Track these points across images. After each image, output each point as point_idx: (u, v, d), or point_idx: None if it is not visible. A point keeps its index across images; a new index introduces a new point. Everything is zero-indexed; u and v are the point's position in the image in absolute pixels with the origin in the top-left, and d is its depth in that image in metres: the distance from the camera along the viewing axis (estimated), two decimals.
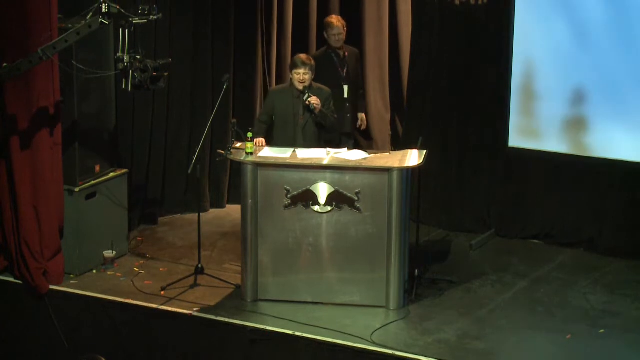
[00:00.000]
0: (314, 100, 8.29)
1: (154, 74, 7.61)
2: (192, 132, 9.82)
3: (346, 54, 9.25)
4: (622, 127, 8.66)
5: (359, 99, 9.53)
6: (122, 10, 7.51)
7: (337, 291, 7.94)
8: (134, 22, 7.51)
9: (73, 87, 8.26)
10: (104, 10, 7.46)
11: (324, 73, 8.95)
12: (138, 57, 7.57)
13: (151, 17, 7.57)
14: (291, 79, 8.43)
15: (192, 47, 9.79)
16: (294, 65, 8.39)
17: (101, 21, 7.45)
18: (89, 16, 7.55)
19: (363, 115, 9.64)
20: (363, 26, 10.52)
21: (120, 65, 7.59)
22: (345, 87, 9.17)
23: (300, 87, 8.34)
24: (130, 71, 7.57)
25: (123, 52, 7.57)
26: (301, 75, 8.33)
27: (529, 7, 8.90)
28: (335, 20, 9.25)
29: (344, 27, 9.20)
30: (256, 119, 8.91)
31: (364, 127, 9.77)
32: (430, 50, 9.50)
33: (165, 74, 7.85)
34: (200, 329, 7.76)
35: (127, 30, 7.55)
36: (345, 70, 9.21)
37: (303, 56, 8.51)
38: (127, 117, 9.37)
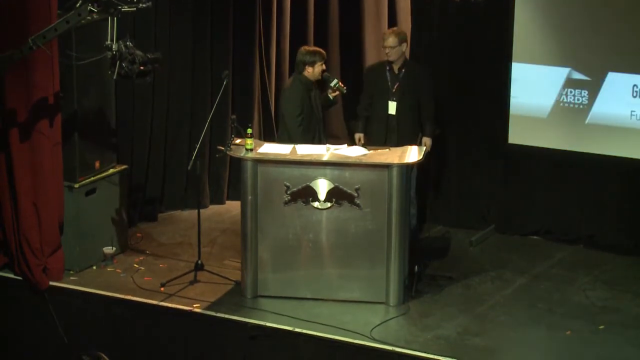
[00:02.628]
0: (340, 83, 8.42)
1: (141, 68, 7.57)
2: (191, 129, 9.82)
3: (403, 70, 8.66)
4: (622, 124, 8.67)
5: (425, 121, 8.75)
6: None
7: (337, 287, 7.94)
8: (122, 10, 7.47)
9: (73, 83, 8.25)
10: None
11: (375, 84, 8.82)
12: (129, 43, 7.53)
13: (140, 5, 7.54)
14: (301, 76, 8.35)
15: (192, 43, 9.79)
16: (322, 58, 8.36)
17: (90, 9, 7.42)
18: (78, 4, 7.53)
19: (428, 140, 8.71)
20: (362, 22, 10.51)
21: (109, 54, 7.56)
22: (392, 104, 8.71)
23: (319, 77, 8.37)
24: (118, 61, 7.53)
25: (112, 40, 7.54)
26: (323, 65, 8.37)
27: (528, 2, 8.91)
28: (388, 33, 8.72)
29: (399, 42, 8.59)
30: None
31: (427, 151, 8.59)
32: (430, 47, 9.50)
33: (156, 65, 7.83)
34: (200, 325, 7.76)
35: (115, 19, 7.52)
36: (395, 87, 8.68)
37: (317, 48, 8.58)
38: (126, 113, 9.38)
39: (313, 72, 8.34)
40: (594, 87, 8.78)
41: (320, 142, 8.33)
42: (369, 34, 10.53)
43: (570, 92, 8.89)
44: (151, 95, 9.56)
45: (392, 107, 8.72)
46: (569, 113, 8.91)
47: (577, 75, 8.84)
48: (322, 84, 8.56)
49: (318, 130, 8.44)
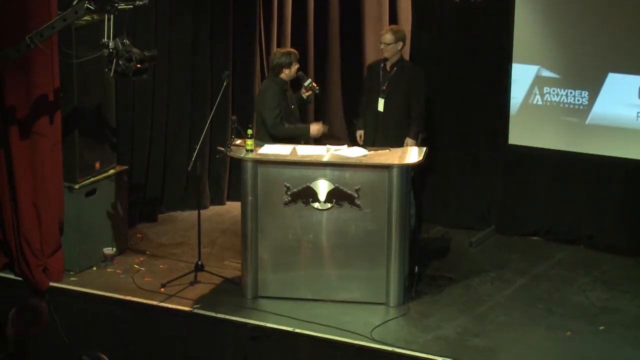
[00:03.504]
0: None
1: (138, 65, 7.57)
2: (191, 129, 9.82)
3: (395, 68, 8.63)
4: (627, 125, 8.66)
5: (412, 122, 8.63)
6: None
7: (337, 288, 7.94)
8: (119, 7, 7.47)
9: (73, 83, 8.26)
10: None
11: (371, 81, 8.84)
12: (126, 41, 7.52)
13: (137, 2, 7.54)
14: (277, 78, 8.34)
15: (192, 44, 9.79)
16: (296, 57, 8.38)
17: (87, 6, 7.41)
18: (75, 2, 7.53)
19: (410, 141, 8.54)
20: (362, 23, 10.50)
21: (105, 51, 7.56)
22: (381, 101, 8.69)
23: (294, 77, 8.41)
24: (115, 58, 7.52)
25: (108, 37, 7.54)
26: (297, 64, 8.40)
27: (528, 3, 8.91)
28: (386, 29, 8.73)
29: (395, 39, 8.53)
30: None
31: None
32: (430, 48, 9.50)
33: (153, 63, 7.82)
34: (200, 325, 7.76)
35: (112, 16, 7.51)
36: (385, 84, 8.67)
37: (290, 49, 8.64)
38: (127, 114, 9.38)
39: (290, 73, 8.36)
40: (594, 88, 8.77)
41: (299, 141, 8.36)
42: (369, 34, 10.51)
43: (571, 92, 8.89)
44: (151, 95, 9.56)
45: (381, 104, 8.74)
46: (569, 114, 8.91)
47: (577, 76, 8.84)
48: (293, 83, 8.59)
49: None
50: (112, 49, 7.50)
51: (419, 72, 8.79)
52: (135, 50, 7.55)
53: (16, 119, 8.08)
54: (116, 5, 7.46)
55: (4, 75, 8.02)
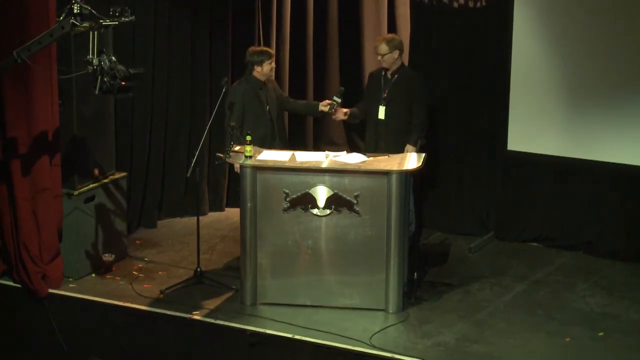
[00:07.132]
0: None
1: (122, 83, 7.50)
2: (190, 136, 9.83)
3: (396, 76, 8.70)
4: (622, 130, 8.67)
5: (412, 128, 8.64)
6: (93, 12, 7.43)
7: (336, 294, 7.94)
8: (104, 24, 7.44)
9: (72, 91, 8.26)
10: (75, 11, 7.40)
11: (372, 89, 8.86)
12: (113, 58, 7.48)
13: (123, 19, 7.51)
14: (250, 76, 8.51)
15: (191, 51, 9.80)
16: (269, 56, 8.52)
17: (72, 22, 7.40)
18: (61, 17, 7.51)
19: (410, 147, 8.55)
20: (361, 29, 10.53)
21: (89, 68, 7.52)
22: (382, 108, 8.69)
23: (270, 75, 8.58)
24: (100, 76, 7.47)
25: (93, 54, 7.50)
26: (272, 63, 8.57)
27: (527, 10, 8.92)
28: (379, 40, 8.65)
29: (390, 49, 8.51)
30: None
31: None
32: (429, 54, 9.51)
33: (138, 80, 7.76)
34: (199, 332, 7.75)
35: (96, 32, 7.47)
36: (387, 92, 8.67)
37: (264, 48, 8.80)
38: (125, 120, 9.39)
39: (262, 70, 8.47)
40: (593, 94, 8.77)
41: (272, 142, 8.43)
42: (368, 41, 10.53)
43: (570, 98, 8.89)
44: (150, 102, 9.57)
45: (382, 112, 8.73)
46: (569, 119, 8.91)
47: (577, 82, 8.84)
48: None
49: (271, 130, 8.52)
50: (97, 66, 7.45)
51: (420, 78, 8.79)
52: (120, 67, 7.45)
53: (15, 129, 8.07)
54: (101, 21, 7.42)
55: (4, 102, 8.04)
